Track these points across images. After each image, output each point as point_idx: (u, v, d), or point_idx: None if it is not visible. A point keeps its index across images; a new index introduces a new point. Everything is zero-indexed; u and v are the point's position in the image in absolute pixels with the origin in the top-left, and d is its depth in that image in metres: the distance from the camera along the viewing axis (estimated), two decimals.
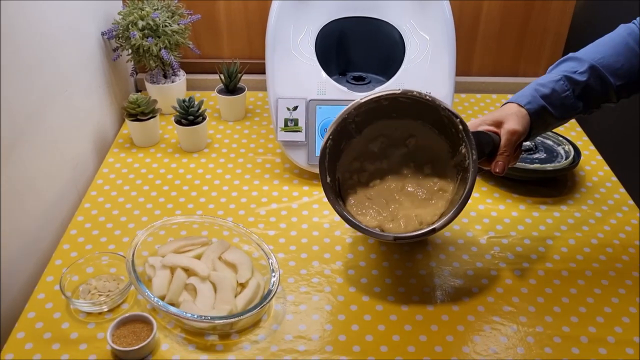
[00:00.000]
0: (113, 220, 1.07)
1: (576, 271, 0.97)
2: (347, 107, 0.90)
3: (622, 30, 0.90)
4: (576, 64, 0.89)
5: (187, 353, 0.83)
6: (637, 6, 1.27)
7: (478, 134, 0.87)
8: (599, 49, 0.89)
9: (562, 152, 1.19)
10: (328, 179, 0.90)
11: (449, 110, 0.87)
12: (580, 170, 1.21)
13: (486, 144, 0.87)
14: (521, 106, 0.88)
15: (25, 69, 0.95)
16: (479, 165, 0.88)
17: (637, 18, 0.90)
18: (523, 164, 1.14)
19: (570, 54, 0.91)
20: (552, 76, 0.89)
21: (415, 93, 0.87)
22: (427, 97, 0.87)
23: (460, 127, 0.86)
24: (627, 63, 0.87)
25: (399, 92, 0.87)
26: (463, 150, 0.88)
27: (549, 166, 1.14)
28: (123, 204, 1.11)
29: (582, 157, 1.19)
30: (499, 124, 0.89)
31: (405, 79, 1.16)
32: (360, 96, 1.13)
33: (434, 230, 0.86)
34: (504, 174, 1.04)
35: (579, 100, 0.88)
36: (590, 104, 0.89)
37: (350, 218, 0.89)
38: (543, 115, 0.88)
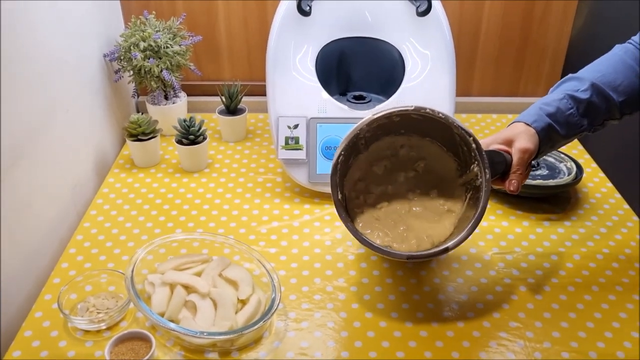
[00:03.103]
0: (112, 239, 1.06)
1: (582, 286, 0.96)
2: (359, 122, 0.89)
3: (618, 50, 0.91)
4: (577, 83, 0.89)
5: None
6: (634, 25, 1.28)
7: (491, 153, 0.87)
8: (598, 68, 0.90)
9: (564, 168, 1.19)
10: (339, 196, 0.89)
11: (462, 129, 0.86)
12: (583, 187, 1.20)
13: (499, 162, 0.87)
14: (528, 125, 0.88)
15: (26, 89, 0.95)
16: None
17: (632, 37, 0.91)
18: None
19: (570, 75, 0.92)
20: (555, 95, 0.90)
21: (428, 110, 0.87)
22: (440, 115, 0.86)
23: (474, 145, 0.86)
24: (626, 80, 0.88)
25: (412, 108, 0.87)
26: (475, 169, 0.87)
27: (551, 182, 1.13)
28: (123, 223, 1.10)
29: (584, 174, 1.18)
30: (509, 143, 0.89)
31: (405, 98, 1.16)
32: (361, 114, 1.14)
33: (447, 250, 0.85)
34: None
35: (583, 118, 0.88)
36: (594, 121, 0.90)
37: (364, 237, 0.88)
38: (550, 134, 0.88)
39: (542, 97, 0.92)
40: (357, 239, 0.87)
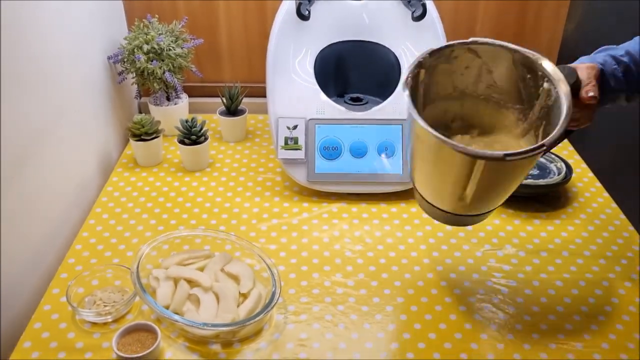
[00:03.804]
0: (117, 235, 1.09)
1: (570, 282, 1.00)
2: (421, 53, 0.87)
3: None
4: (614, 50, 0.91)
5: None
6: (625, 27, 1.33)
7: (559, 68, 0.84)
8: (630, 44, 0.91)
9: (554, 169, 1.23)
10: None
11: (524, 52, 0.84)
12: (572, 187, 1.24)
13: (569, 75, 0.84)
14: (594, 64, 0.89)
15: (32, 90, 0.99)
16: None
17: None
18: None
19: (604, 46, 0.93)
20: (597, 56, 0.91)
21: (488, 41, 0.85)
22: (498, 43, 0.85)
23: (540, 62, 0.83)
24: None
25: (470, 40, 0.86)
26: (546, 85, 0.83)
27: (541, 182, 1.17)
28: (127, 220, 1.13)
29: (574, 174, 1.23)
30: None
31: (401, 100, 1.20)
32: (358, 115, 1.19)
33: (543, 146, 0.76)
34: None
35: (623, 78, 0.89)
36: (630, 86, 0.90)
37: (437, 134, 0.76)
38: (605, 77, 0.89)
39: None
40: (432, 134, 0.76)
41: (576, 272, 1.02)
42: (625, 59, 0.90)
